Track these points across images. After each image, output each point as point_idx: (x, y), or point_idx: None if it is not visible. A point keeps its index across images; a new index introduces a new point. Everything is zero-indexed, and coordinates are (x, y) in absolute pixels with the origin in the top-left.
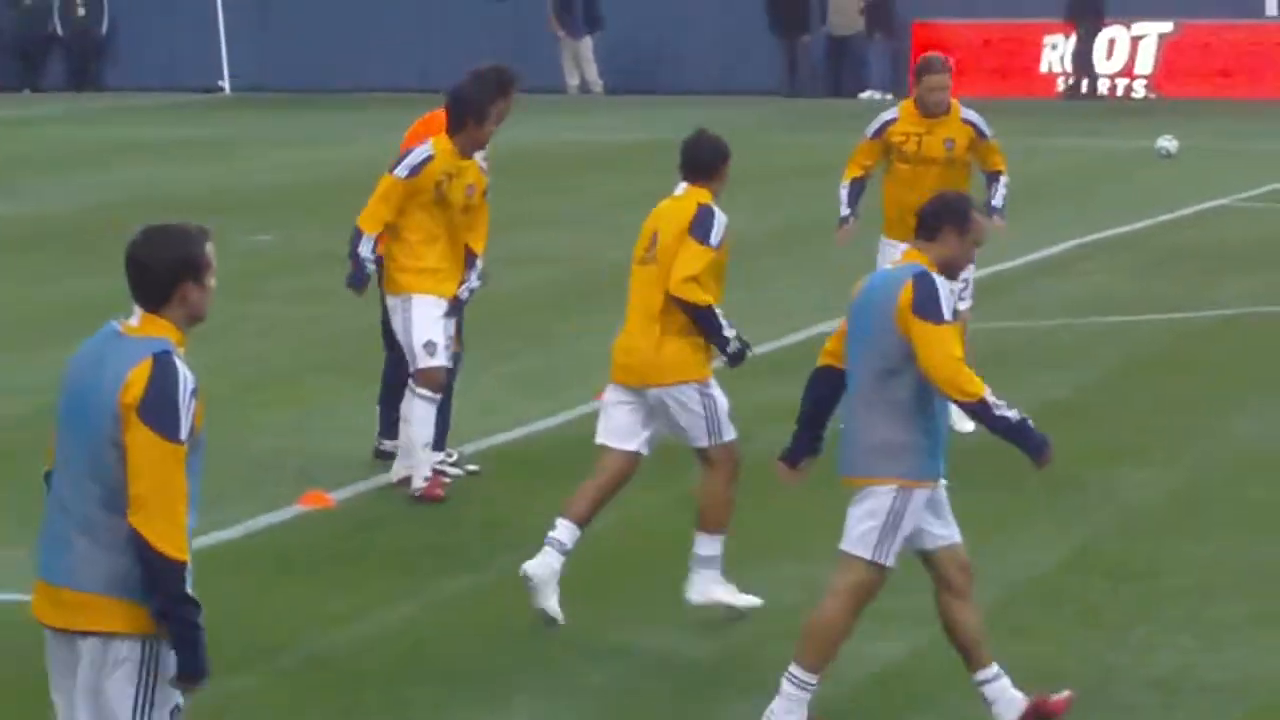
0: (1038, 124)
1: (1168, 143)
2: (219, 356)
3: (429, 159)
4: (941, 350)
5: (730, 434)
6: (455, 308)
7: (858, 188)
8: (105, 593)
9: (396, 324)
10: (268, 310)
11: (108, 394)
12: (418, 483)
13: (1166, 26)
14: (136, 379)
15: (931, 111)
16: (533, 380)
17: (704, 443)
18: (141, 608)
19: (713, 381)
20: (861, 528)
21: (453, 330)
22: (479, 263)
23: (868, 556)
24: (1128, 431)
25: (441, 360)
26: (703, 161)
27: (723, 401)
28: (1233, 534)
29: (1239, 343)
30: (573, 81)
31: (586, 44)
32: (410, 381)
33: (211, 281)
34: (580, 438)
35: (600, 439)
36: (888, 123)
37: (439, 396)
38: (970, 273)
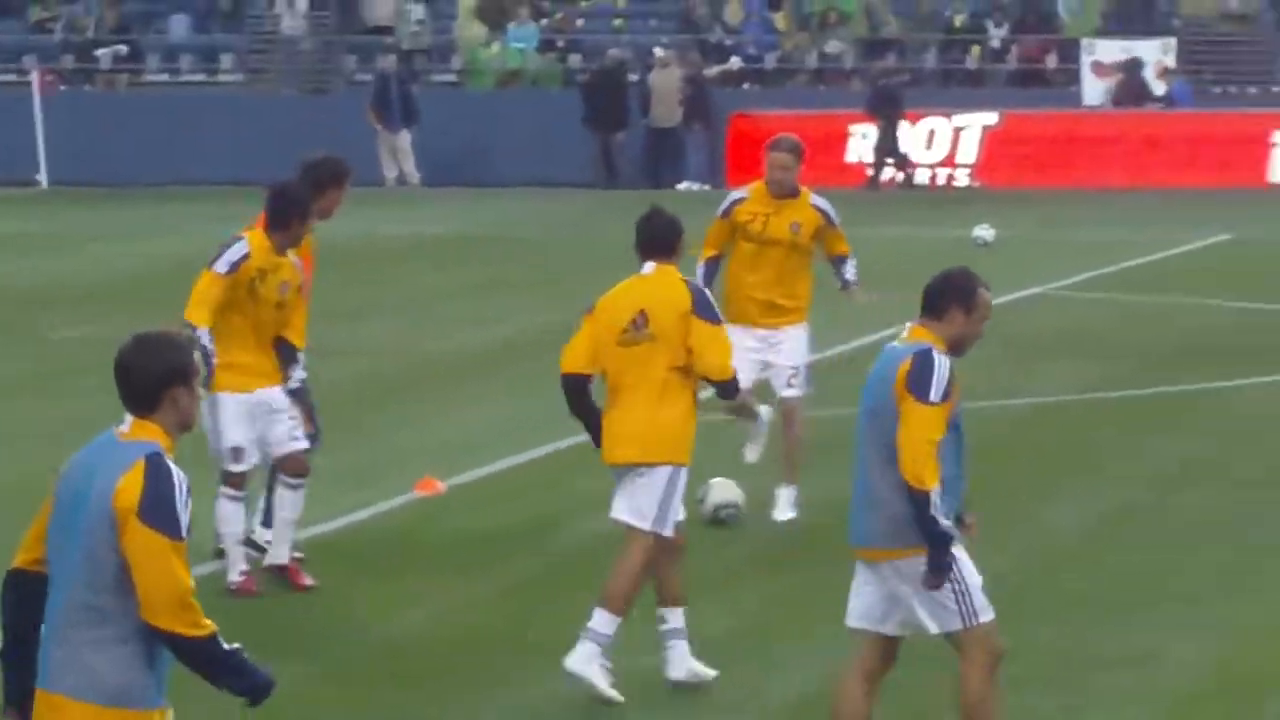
0: (862, 213)
1: (984, 232)
2: (48, 456)
3: (245, 256)
4: (918, 430)
5: (668, 529)
6: (295, 394)
7: (713, 267)
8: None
9: (205, 423)
10: (79, 407)
11: (101, 501)
12: (233, 577)
13: (990, 118)
14: (130, 484)
15: (778, 191)
16: (351, 472)
17: (643, 525)
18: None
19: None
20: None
21: (298, 413)
22: (300, 356)
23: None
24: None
25: (245, 465)
26: (666, 239)
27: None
28: (1045, 623)
29: (1056, 430)
30: (390, 174)
31: (404, 137)
32: (220, 480)
33: (199, 388)
34: (400, 528)
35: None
36: (736, 201)
37: (244, 494)
38: (801, 359)
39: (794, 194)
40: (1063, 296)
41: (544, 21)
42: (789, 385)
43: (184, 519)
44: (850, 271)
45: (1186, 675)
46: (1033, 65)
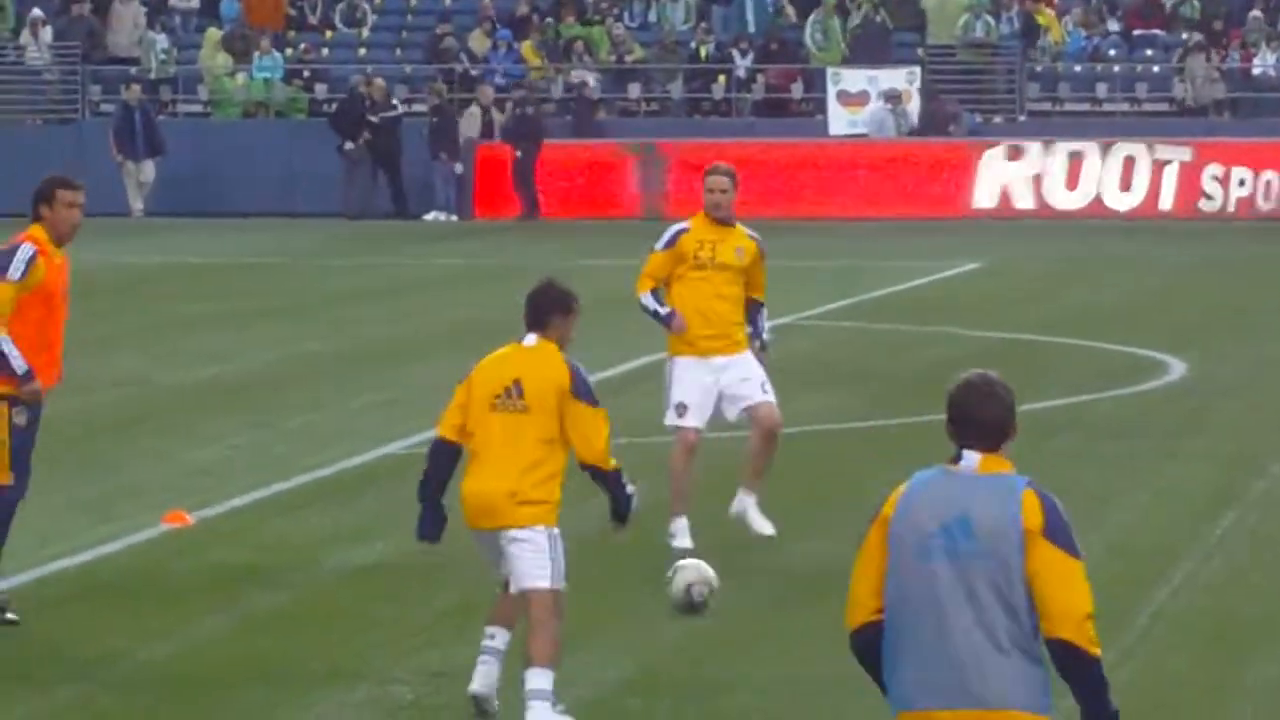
0: (606, 243)
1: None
2: None
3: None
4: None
5: (563, 582)
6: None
7: (659, 295)
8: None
9: None
10: None
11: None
12: None
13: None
14: (1032, 508)
15: (719, 216)
16: (96, 505)
17: (544, 584)
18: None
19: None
20: None
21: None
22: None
23: None
24: (696, 551)
25: None
26: (551, 313)
27: (563, 549)
28: (786, 656)
29: (802, 461)
30: (136, 206)
31: (148, 168)
32: None
33: None
34: (148, 561)
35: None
36: (680, 232)
37: None
38: (763, 372)
39: (732, 221)
40: (812, 326)
41: (289, 51)
42: (764, 391)
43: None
44: (764, 326)
45: None
46: (779, 95)
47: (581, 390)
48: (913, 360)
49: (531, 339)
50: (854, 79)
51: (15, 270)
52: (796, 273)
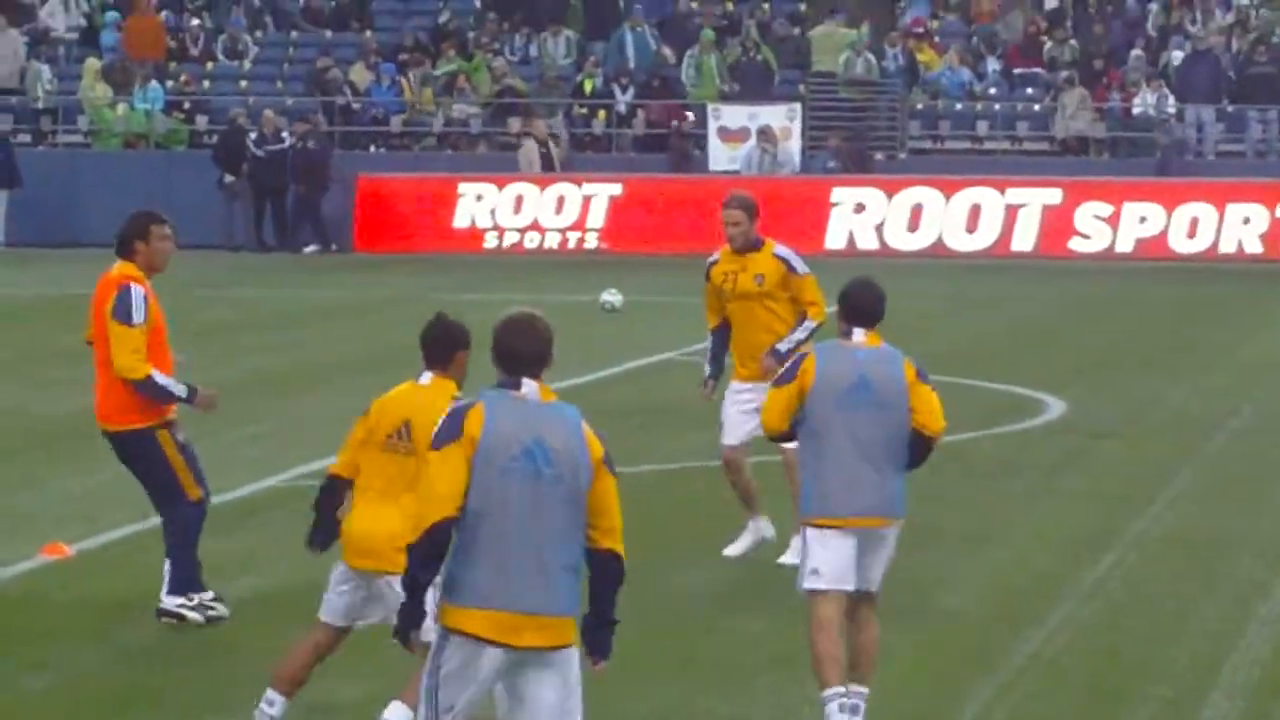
0: (480, 278)
1: (612, 297)
2: None
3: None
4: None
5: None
6: None
7: (721, 337)
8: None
9: None
10: None
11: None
12: None
13: (615, 187)
14: (593, 441)
15: (737, 246)
16: None
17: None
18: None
19: None
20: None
21: None
22: None
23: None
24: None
25: None
26: (444, 351)
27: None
28: (665, 685)
29: (680, 498)
30: None
31: (1, 198)
32: None
33: None
34: (23, 593)
35: (324, 617)
36: (711, 264)
37: None
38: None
39: (756, 247)
40: (691, 362)
41: (170, 83)
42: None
43: None
44: (789, 341)
45: None
46: (659, 131)
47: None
48: None
49: (427, 377)
50: (734, 115)
51: (137, 314)
52: (677, 308)
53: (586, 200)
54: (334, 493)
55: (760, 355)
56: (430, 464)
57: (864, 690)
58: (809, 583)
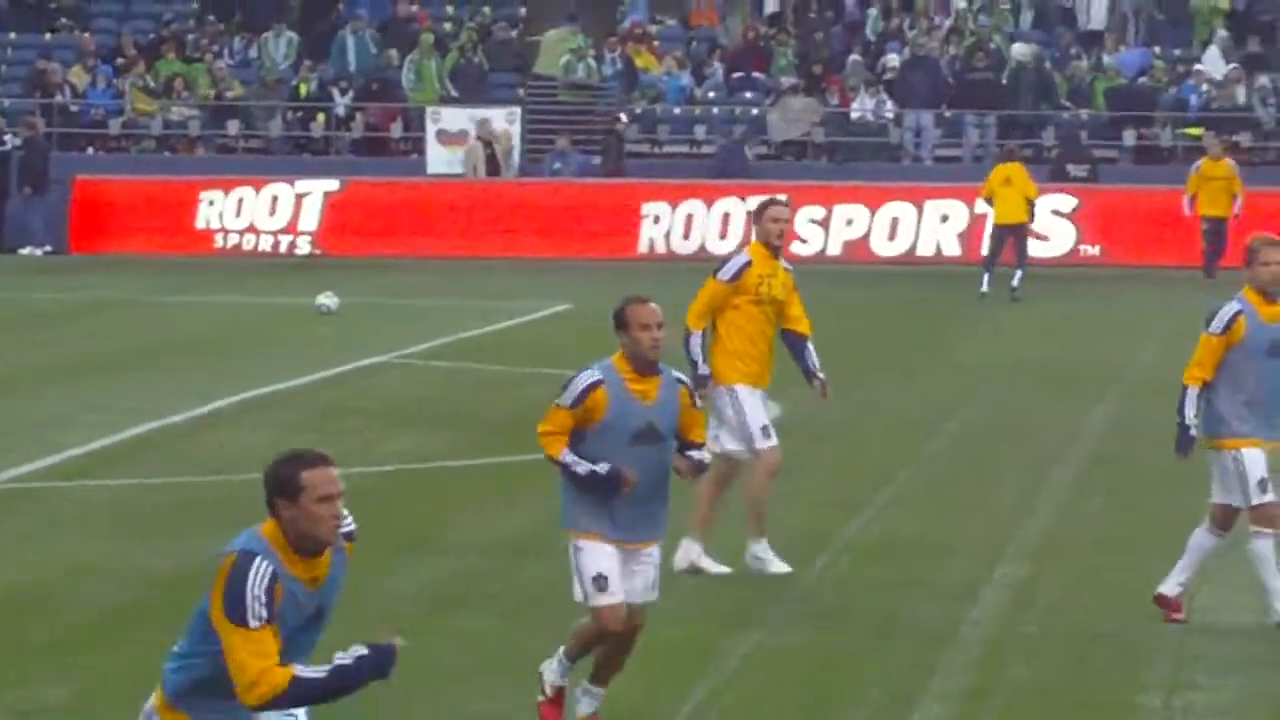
0: (198, 281)
1: (328, 299)
2: None
3: None
4: None
5: None
6: None
7: (706, 341)
8: None
9: None
10: None
11: None
12: None
13: (332, 184)
14: None
15: (777, 245)
16: None
17: None
18: None
19: None
20: None
21: None
22: None
23: None
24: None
25: None
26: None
27: None
28: (386, 690)
29: (394, 499)
30: None
31: None
32: None
33: None
34: None
35: None
36: (745, 265)
37: None
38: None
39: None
40: (407, 365)
41: None
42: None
43: None
44: (816, 363)
45: None
46: (378, 134)
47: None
48: (505, 400)
49: None
50: (454, 118)
51: None
52: (392, 312)
53: (300, 200)
54: None
55: (767, 358)
56: None
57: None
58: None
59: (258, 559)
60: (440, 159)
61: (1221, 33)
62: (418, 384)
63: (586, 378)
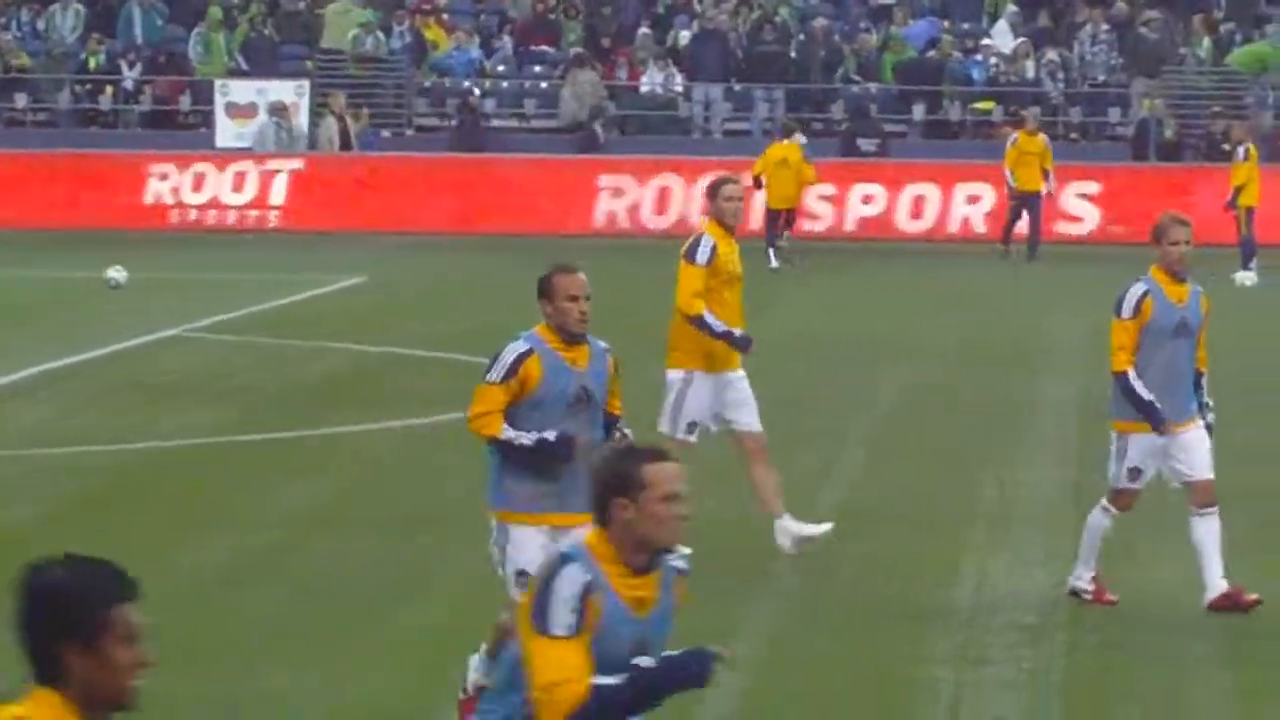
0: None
1: (117, 273)
2: None
3: None
4: None
5: None
6: None
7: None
8: None
9: None
10: None
11: None
12: None
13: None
14: None
15: (734, 224)
16: None
17: None
18: None
19: None
20: None
21: None
22: None
23: None
24: None
25: None
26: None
27: None
28: (182, 670)
29: (186, 474)
30: None
31: None
32: None
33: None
34: None
35: None
36: (715, 247)
37: None
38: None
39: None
40: (196, 338)
41: None
42: (755, 417)
43: None
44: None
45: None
46: (167, 107)
47: None
48: (291, 374)
49: None
50: (243, 91)
51: None
52: (180, 286)
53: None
54: None
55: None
56: None
57: None
58: None
59: (573, 564)
60: (229, 132)
61: (1011, 7)
62: (206, 358)
63: (514, 349)
